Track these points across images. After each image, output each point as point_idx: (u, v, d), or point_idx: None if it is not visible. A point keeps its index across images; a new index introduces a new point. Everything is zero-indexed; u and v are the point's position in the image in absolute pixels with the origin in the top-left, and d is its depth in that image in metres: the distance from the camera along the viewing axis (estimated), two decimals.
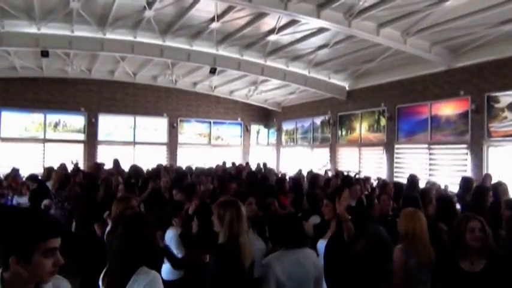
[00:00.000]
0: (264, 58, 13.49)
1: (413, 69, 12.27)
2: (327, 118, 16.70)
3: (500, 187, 6.11)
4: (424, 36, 10.27)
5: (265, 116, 20.91)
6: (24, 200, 8.76)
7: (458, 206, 6.04)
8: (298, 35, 11.50)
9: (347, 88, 15.44)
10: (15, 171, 11.65)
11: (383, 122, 13.94)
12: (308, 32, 11.17)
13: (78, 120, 17.72)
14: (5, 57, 13.61)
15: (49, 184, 8.41)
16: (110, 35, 11.83)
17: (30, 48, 12.22)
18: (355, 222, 3.73)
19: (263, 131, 21.28)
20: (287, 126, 19.77)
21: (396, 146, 13.37)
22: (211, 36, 11.87)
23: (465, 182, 7.13)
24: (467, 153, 11.01)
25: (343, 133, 15.96)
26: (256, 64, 13.82)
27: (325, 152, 16.75)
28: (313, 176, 8.52)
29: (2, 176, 11.18)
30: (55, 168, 9.69)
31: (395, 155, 13.39)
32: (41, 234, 1.75)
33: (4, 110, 16.38)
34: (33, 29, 11.27)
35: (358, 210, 4.70)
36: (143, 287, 2.33)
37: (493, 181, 7.60)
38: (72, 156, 14.33)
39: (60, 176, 8.02)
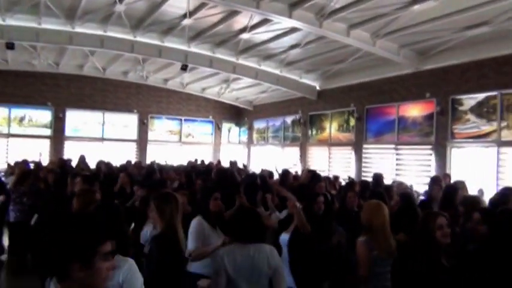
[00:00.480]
0: (236, 56, 13.50)
1: (382, 71, 12.52)
2: (297, 117, 16.85)
3: (460, 185, 6.36)
4: (392, 39, 10.51)
5: (236, 114, 20.92)
6: None
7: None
8: (271, 34, 11.57)
9: (318, 88, 15.63)
10: None
11: (352, 122, 14.18)
12: (280, 32, 11.25)
13: (44, 115, 17.28)
14: None
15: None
16: (79, 29, 11.60)
17: None
18: (312, 216, 3.84)
19: (234, 129, 21.29)
20: (258, 124, 19.85)
21: (364, 145, 13.62)
22: (183, 33, 11.80)
23: (433, 181, 7.35)
24: (431, 154, 11.33)
25: (314, 132, 16.14)
26: (228, 62, 13.82)
27: (295, 150, 16.90)
28: (284, 173, 8.63)
29: None
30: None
31: (363, 155, 13.64)
32: (100, 236, 1.68)
33: None
34: None
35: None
36: (125, 271, 2.42)
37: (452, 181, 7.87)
38: (38, 151, 14.02)
39: (22, 171, 7.86)
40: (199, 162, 14.78)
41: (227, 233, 3.52)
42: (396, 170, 12.35)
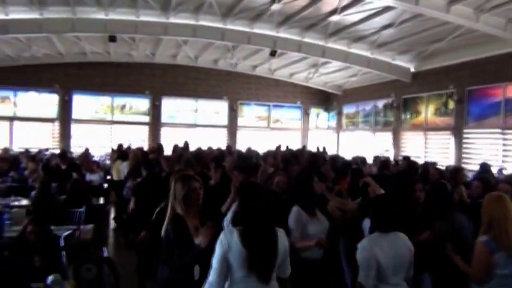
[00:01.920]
0: (325, 40, 13.20)
1: (486, 48, 11.46)
2: (390, 101, 16.14)
3: None
4: (499, 13, 9.55)
5: (325, 99, 20.57)
6: (95, 177, 9.33)
7: None
8: (362, 15, 11.11)
9: (412, 70, 14.78)
10: (86, 151, 12.40)
11: (451, 105, 13.22)
12: (372, 12, 10.75)
13: (143, 103, 18.41)
14: (76, 42, 14.34)
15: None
16: (173, 19, 12.09)
17: (98, 33, 12.76)
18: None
19: (323, 114, 20.97)
20: (348, 109, 19.33)
21: (465, 130, 12.66)
22: (272, 18, 11.78)
23: None
24: None
25: (407, 117, 15.35)
26: (317, 46, 13.57)
27: (387, 136, 16.24)
28: (383, 161, 8.29)
29: (76, 155, 11.94)
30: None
31: (463, 140, 12.69)
32: None
33: (76, 93, 17.37)
34: (101, 15, 11.75)
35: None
36: None
37: None
38: (136, 138, 15.03)
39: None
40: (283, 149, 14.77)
41: (374, 221, 3.31)
42: (503, 156, 11.32)
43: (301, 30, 12.87)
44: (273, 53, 13.73)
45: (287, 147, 15.06)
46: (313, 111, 20.89)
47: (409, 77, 14.87)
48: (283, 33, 12.95)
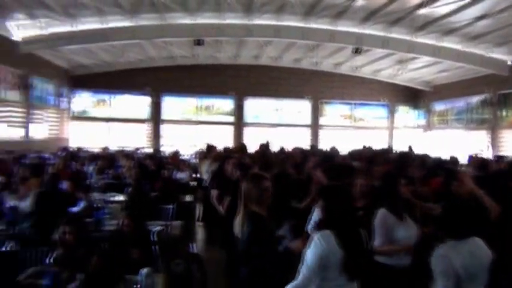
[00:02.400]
0: (413, 34, 12.62)
1: None
2: (485, 97, 15.00)
3: None
4: None
5: (412, 96, 19.67)
6: (182, 175, 9.74)
7: None
8: (453, 6, 10.46)
9: (510, 63, 13.61)
10: (176, 151, 13.05)
11: None
12: (464, 2, 10.07)
13: (227, 104, 18.95)
14: (166, 47, 15.15)
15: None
16: (256, 21, 12.29)
17: (186, 38, 13.36)
18: None
19: (410, 112, 20.06)
20: (438, 106, 18.31)
21: None
22: (355, 15, 11.51)
23: None
24: None
25: (506, 114, 14.16)
26: (403, 41, 13.02)
27: (482, 134, 15.12)
28: (482, 161, 7.68)
29: (166, 154, 12.62)
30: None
31: None
32: None
33: (165, 95, 18.37)
34: (188, 20, 12.29)
35: None
36: None
37: None
38: (221, 137, 15.46)
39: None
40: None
41: (440, 229, 3.21)
42: None
43: (387, 25, 12.42)
44: (357, 50, 13.40)
45: (370, 147, 14.61)
46: (400, 109, 20.07)
47: (507, 71, 13.70)
48: (367, 30, 12.60)
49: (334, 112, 19.69)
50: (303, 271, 2.68)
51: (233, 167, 5.53)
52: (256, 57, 17.33)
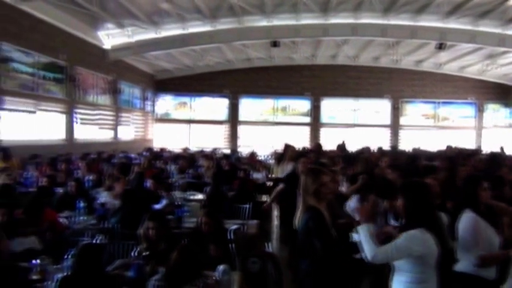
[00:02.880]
0: (504, 27, 11.72)
1: None
2: None
3: None
4: None
5: (503, 93, 18.24)
6: (259, 176, 9.87)
7: None
8: None
9: None
10: (253, 152, 13.31)
11: None
12: None
13: (303, 104, 18.88)
14: (243, 50, 15.45)
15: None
16: (332, 20, 12.13)
17: (262, 40, 13.53)
18: None
19: (501, 110, 18.61)
20: None
21: None
22: (439, 9, 10.93)
23: None
24: None
25: None
26: (493, 34, 12.16)
27: None
28: None
29: (243, 154, 12.89)
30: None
31: None
32: None
33: (243, 97, 18.74)
34: (264, 22, 12.44)
35: None
36: None
37: None
38: (298, 138, 15.43)
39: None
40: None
41: None
42: None
43: (474, 18, 11.66)
44: (441, 46, 12.70)
45: (454, 146, 13.79)
46: (490, 107, 18.70)
47: None
48: (452, 24, 11.91)
49: (415, 111, 18.83)
50: (391, 250, 2.66)
51: (303, 165, 5.48)
52: (332, 56, 17.09)
